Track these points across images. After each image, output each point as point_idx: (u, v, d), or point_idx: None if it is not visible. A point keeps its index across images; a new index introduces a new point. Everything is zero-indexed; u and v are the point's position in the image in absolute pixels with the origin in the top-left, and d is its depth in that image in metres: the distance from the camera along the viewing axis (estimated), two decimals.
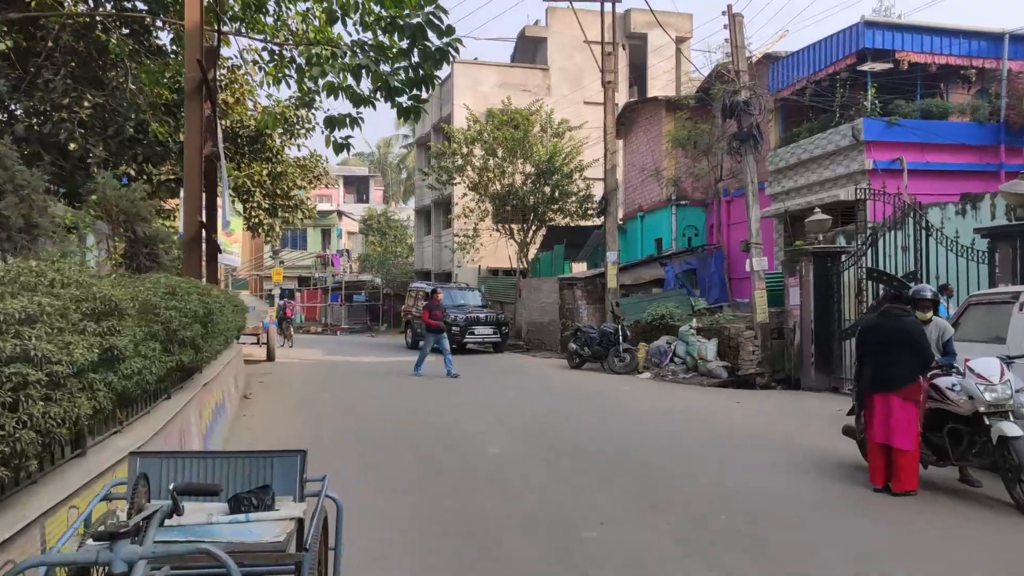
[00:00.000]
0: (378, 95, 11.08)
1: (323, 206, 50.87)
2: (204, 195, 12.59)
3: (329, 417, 10.09)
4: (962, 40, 15.47)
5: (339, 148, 11.59)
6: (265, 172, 17.73)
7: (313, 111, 18.05)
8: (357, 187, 64.53)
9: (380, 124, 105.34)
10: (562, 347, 20.78)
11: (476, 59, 32.14)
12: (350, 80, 11.14)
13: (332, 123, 11.29)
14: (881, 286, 11.17)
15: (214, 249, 12.51)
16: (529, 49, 34.08)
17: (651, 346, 15.96)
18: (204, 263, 13.66)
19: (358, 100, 11.24)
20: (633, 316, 17.53)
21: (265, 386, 13.33)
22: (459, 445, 8.18)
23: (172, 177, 14.23)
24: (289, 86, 12.62)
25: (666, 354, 15.45)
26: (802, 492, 6.27)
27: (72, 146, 13.02)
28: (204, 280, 12.07)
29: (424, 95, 11.06)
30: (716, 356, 14.52)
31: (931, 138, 15.06)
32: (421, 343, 16.24)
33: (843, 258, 12.84)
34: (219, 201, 11.45)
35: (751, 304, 14.42)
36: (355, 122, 11.29)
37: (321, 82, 11.40)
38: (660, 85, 32.14)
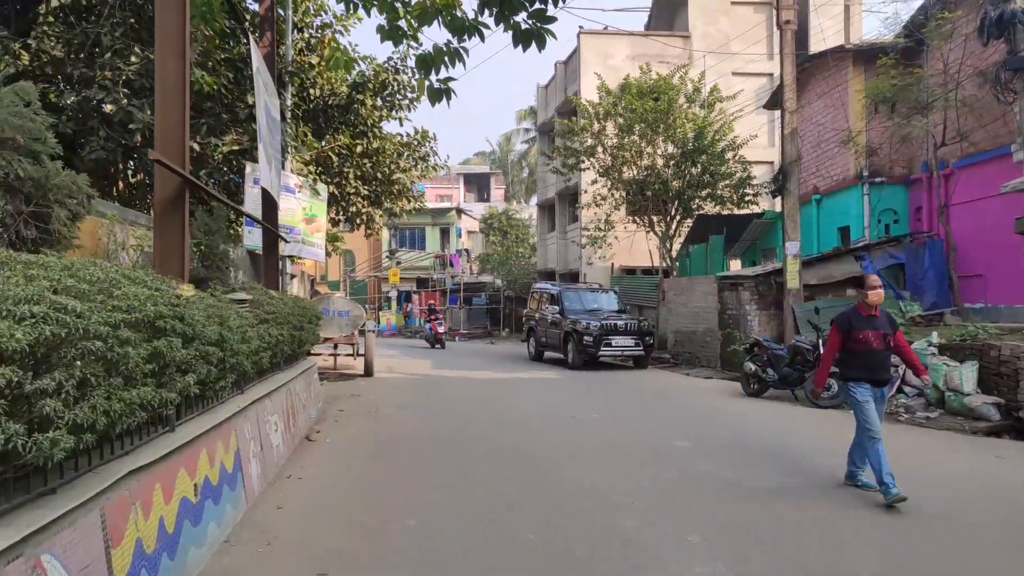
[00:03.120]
0: (486, 13, 7.76)
1: (442, 204, 48.65)
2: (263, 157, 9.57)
3: (413, 480, 6.60)
4: None
5: (437, 95, 8.34)
6: (359, 149, 14.66)
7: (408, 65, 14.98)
8: (478, 186, 62.31)
9: (502, 119, 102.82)
10: (722, 364, 16.54)
11: (606, 28, 28.24)
12: None
13: (427, 63, 8.06)
14: None
15: (273, 237, 9.43)
16: (666, 15, 29.82)
17: None
18: (264, 256, 10.68)
19: (458, 27, 8.00)
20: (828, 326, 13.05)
21: (345, 417, 10.10)
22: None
23: (237, 148, 11.36)
24: (368, 12, 9.42)
25: (891, 382, 10.96)
26: None
27: (108, 108, 10.38)
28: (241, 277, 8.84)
29: (551, 10, 7.61)
30: (976, 388, 9.95)
31: None
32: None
33: None
34: (269, 169, 8.28)
35: None
36: (456, 56, 8.03)
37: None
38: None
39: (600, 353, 17.08)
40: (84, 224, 5.31)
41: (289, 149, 11.85)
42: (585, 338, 17.03)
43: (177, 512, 4.10)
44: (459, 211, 47.14)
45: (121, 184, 13.04)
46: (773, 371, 12.04)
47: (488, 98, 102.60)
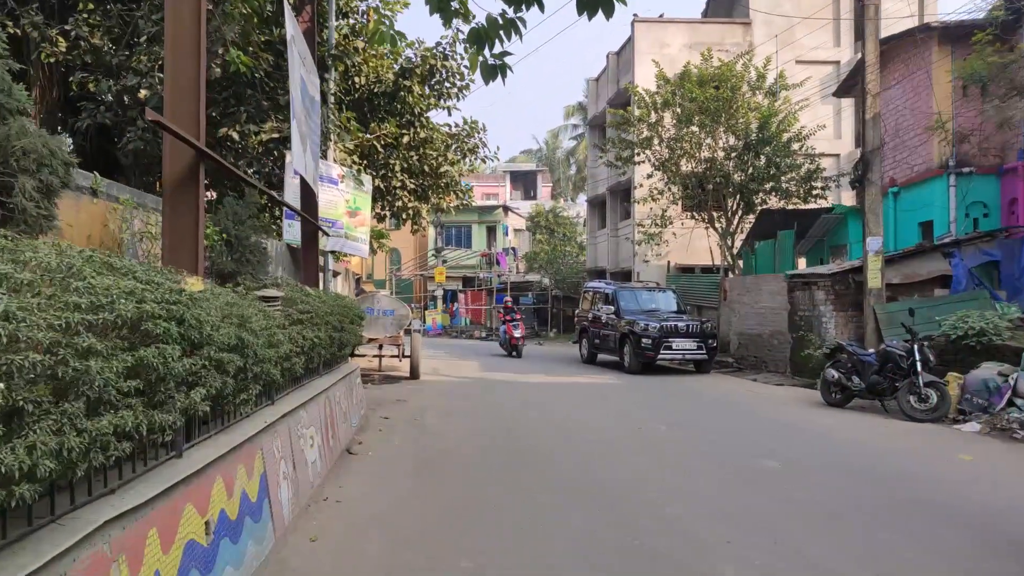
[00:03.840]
0: None
1: (488, 202, 47.91)
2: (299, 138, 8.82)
3: (465, 507, 5.73)
4: None
5: (491, 72, 7.34)
6: (406, 140, 13.88)
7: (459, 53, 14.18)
8: (524, 183, 61.44)
9: (548, 117, 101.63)
10: (793, 369, 15.34)
11: (662, 16, 27.05)
12: None
13: (480, 37, 7.08)
14: None
15: (312, 229, 8.67)
16: (725, 1, 28.47)
17: (968, 378, 10.25)
18: (303, 250, 9.95)
19: None
20: (919, 329, 11.78)
21: (389, 427, 9.30)
22: None
23: (277, 136, 10.66)
24: None
25: (1000, 393, 9.72)
26: None
27: (143, 93, 9.79)
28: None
29: None
30: None
31: None
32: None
33: None
34: (303, 151, 7.49)
35: None
36: (512, 28, 7.06)
37: None
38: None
39: (659, 357, 16.02)
40: (92, 208, 4.57)
41: (332, 136, 11.12)
42: (643, 340, 15.98)
43: (180, 562, 3.28)
44: (506, 209, 46.33)
45: None
46: (859, 379, 10.86)
47: (535, 95, 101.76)
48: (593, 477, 6.75)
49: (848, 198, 25.83)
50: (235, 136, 11.31)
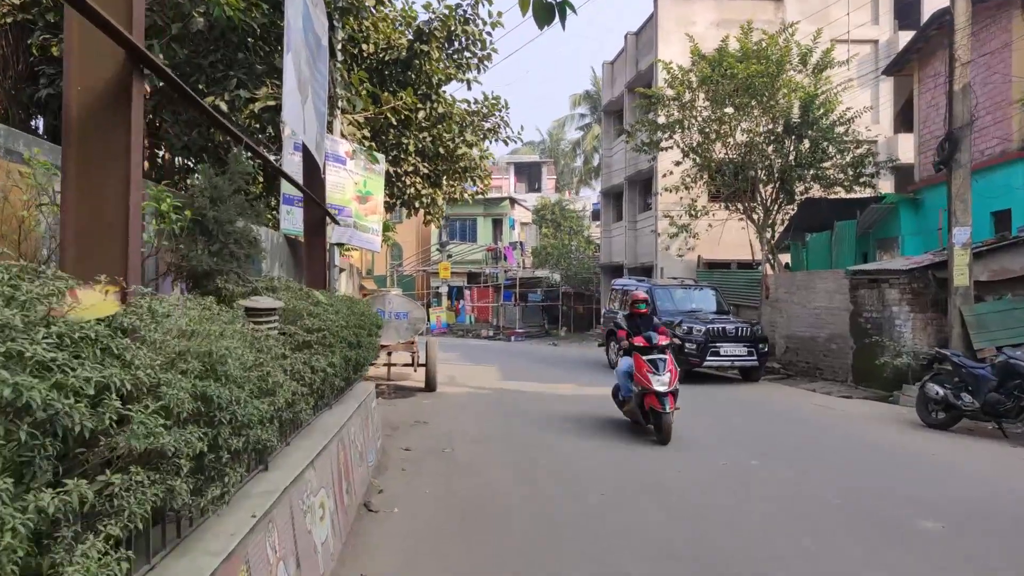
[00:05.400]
0: None
1: (492, 195, 46.02)
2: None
3: None
4: None
5: (547, 14, 5.44)
6: (421, 115, 12.03)
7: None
8: (529, 175, 59.58)
9: (548, 110, 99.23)
10: (856, 378, 13.56)
11: None
12: None
13: None
14: None
15: (320, 215, 6.85)
16: None
17: None
18: (307, 240, 8.11)
19: None
20: (1010, 335, 10.03)
21: (412, 462, 7.48)
22: None
23: (273, 103, 8.83)
24: None
25: None
26: None
27: None
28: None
29: None
30: None
31: None
32: None
33: None
34: (301, 103, 5.66)
35: None
36: None
37: None
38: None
39: (704, 363, 14.23)
40: None
41: (339, 103, 9.30)
42: (687, 345, 14.18)
43: None
44: (512, 201, 44.44)
45: (147, 164, 10.66)
46: (971, 397, 9.07)
47: (536, 87, 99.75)
48: (698, 546, 4.95)
49: (887, 187, 24.07)
50: (223, 107, 9.47)
